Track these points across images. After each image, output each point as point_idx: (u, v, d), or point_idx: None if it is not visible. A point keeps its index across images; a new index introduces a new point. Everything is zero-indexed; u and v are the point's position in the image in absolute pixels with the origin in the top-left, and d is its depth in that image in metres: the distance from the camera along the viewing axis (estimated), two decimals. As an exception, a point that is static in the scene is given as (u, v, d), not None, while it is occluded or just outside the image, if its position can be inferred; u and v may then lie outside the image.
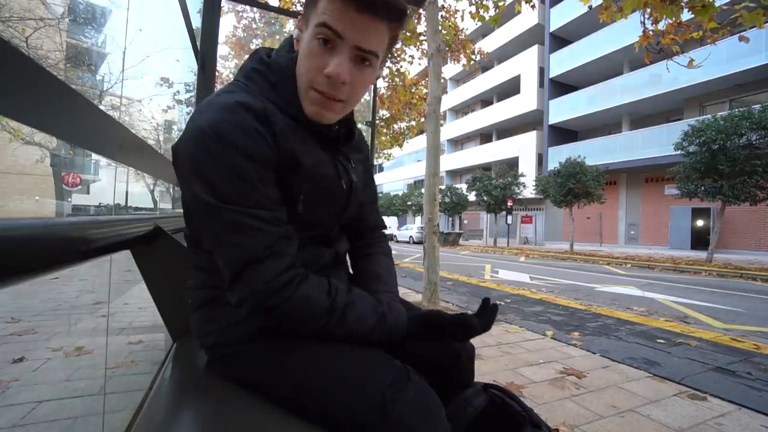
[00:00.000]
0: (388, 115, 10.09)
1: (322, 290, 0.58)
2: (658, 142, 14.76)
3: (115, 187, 2.15)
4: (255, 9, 9.73)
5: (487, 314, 0.64)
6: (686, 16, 3.37)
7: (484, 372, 2.13)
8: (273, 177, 0.57)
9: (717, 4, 3.11)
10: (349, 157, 0.72)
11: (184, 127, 0.58)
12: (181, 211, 0.66)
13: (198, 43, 1.64)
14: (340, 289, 0.60)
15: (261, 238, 0.54)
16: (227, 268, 0.54)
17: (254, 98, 0.57)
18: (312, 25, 0.56)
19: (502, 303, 4.41)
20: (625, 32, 14.20)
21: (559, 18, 19.55)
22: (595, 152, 16.74)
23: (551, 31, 20.01)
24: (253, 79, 0.62)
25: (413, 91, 9.26)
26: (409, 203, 27.92)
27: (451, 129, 27.71)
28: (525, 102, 21.65)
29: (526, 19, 21.08)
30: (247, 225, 0.53)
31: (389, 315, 0.62)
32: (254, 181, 0.54)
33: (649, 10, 3.44)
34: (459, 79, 28.16)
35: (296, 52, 0.61)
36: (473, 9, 4.96)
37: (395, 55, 8.13)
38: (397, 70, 8.46)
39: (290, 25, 10.32)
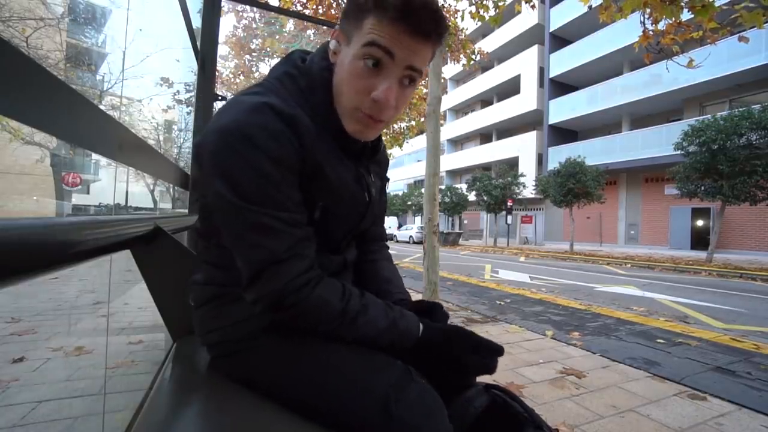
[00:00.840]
0: (388, 115, 10.07)
1: (336, 292, 0.58)
2: (658, 142, 14.76)
3: (115, 187, 2.15)
4: (255, 9, 9.73)
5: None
6: (686, 16, 3.37)
7: (484, 372, 2.13)
8: (296, 180, 0.57)
9: (717, 4, 3.11)
10: (369, 170, 0.72)
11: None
12: (181, 211, 0.66)
13: (198, 43, 1.64)
14: (354, 293, 0.60)
15: (283, 240, 0.54)
16: (247, 267, 0.54)
17: (283, 102, 0.56)
18: (358, 43, 0.54)
19: (502, 303, 4.41)
20: (625, 32, 14.20)
21: (559, 18, 19.55)
22: (595, 152, 16.74)
23: (551, 31, 20.01)
24: (285, 82, 0.61)
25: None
26: (409, 203, 27.92)
27: (451, 129, 27.70)
28: (525, 102, 21.65)
29: (526, 19, 21.08)
30: (269, 226, 0.53)
31: (400, 321, 0.62)
32: (278, 184, 0.54)
33: (648, 10, 3.44)
34: (459, 79, 28.15)
35: (332, 62, 0.60)
36: (473, 9, 4.96)
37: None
38: (397, 70, 8.45)
39: (290, 25, 10.31)
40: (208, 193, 0.57)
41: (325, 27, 5.45)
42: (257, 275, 0.54)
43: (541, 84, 20.85)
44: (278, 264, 0.53)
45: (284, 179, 0.55)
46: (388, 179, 0.85)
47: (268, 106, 0.54)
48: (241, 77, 10.56)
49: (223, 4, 1.71)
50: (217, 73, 1.75)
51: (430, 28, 0.53)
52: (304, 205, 0.59)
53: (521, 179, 18.85)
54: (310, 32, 9.47)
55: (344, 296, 0.58)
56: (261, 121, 0.53)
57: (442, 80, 4.36)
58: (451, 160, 27.34)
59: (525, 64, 21.80)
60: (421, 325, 0.64)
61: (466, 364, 0.63)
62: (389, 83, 0.55)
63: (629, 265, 10.62)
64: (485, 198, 18.97)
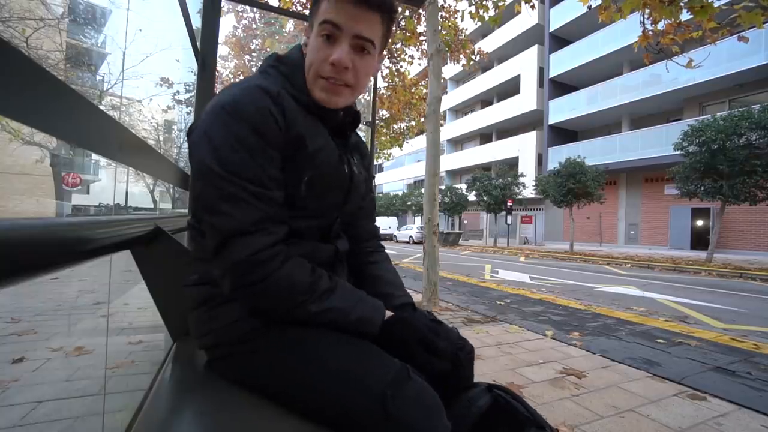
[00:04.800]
0: (388, 115, 10.09)
1: (304, 271, 0.59)
2: (657, 142, 14.76)
3: (115, 187, 2.15)
4: (255, 9, 9.72)
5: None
6: (685, 16, 3.37)
7: (483, 372, 2.13)
8: (278, 158, 0.60)
9: (716, 4, 3.11)
10: (352, 154, 0.77)
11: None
12: (181, 211, 0.66)
13: (198, 43, 1.64)
14: (323, 273, 0.62)
15: (251, 213, 0.56)
16: (212, 236, 0.56)
17: (271, 84, 0.63)
18: (315, 25, 0.64)
19: (502, 303, 4.42)
20: (625, 32, 14.22)
21: (558, 18, 19.55)
22: (595, 152, 16.74)
23: (551, 31, 20.01)
24: (269, 72, 0.69)
25: (413, 91, 9.26)
26: (409, 203, 27.90)
27: (451, 129, 27.70)
28: (525, 102, 21.65)
29: (526, 19, 21.06)
30: (241, 198, 0.56)
31: (365, 306, 0.64)
32: (257, 155, 0.57)
33: (648, 10, 3.44)
34: (459, 79, 28.15)
35: (304, 54, 0.69)
36: (473, 9, 4.96)
37: (395, 55, 8.13)
38: (397, 70, 8.46)
39: (290, 25, 10.31)
40: (194, 167, 0.60)
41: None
42: (222, 244, 0.55)
43: (541, 84, 20.85)
44: (243, 235, 0.55)
45: (264, 153, 0.58)
46: (373, 177, 0.89)
47: (257, 86, 0.61)
48: (241, 77, 10.55)
49: (223, 4, 1.71)
50: (217, 73, 1.75)
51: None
52: (290, 181, 0.62)
53: (521, 179, 18.85)
54: (310, 32, 9.49)
55: (313, 274, 0.60)
56: (249, 98, 0.59)
57: (442, 80, 4.36)
58: (451, 160, 27.34)
59: (525, 64, 21.80)
60: (386, 314, 0.65)
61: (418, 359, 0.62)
62: (341, 49, 0.63)
63: (629, 265, 10.62)
64: (485, 198, 18.96)
